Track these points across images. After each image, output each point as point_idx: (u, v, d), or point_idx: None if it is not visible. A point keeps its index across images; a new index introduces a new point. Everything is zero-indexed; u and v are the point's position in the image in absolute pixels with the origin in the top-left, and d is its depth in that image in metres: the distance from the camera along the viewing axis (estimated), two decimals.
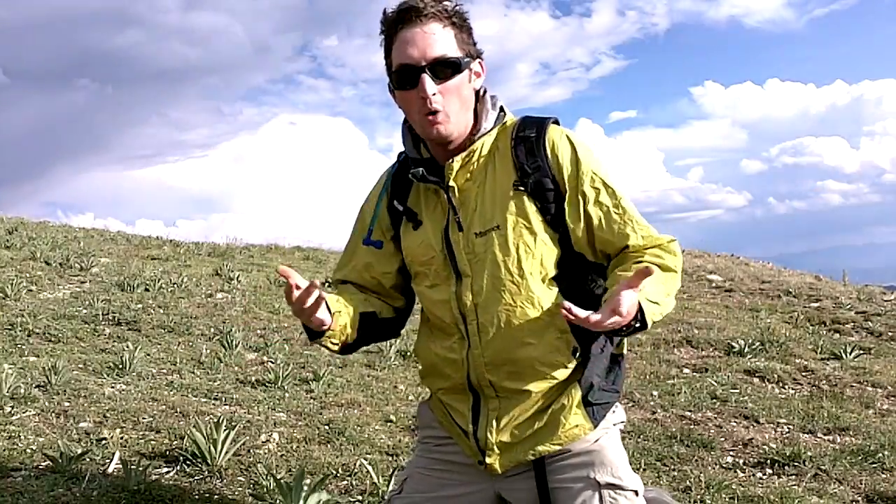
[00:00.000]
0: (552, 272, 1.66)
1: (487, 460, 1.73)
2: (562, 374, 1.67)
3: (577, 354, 1.67)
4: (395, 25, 1.61)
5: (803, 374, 5.36)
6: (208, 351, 5.29)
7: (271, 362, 5.16)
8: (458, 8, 1.63)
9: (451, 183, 1.66)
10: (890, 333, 6.61)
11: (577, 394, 1.68)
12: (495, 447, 1.71)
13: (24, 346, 4.97)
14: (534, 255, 1.63)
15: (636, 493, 1.70)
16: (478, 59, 1.68)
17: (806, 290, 8.74)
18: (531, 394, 1.67)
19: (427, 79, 1.57)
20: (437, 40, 1.58)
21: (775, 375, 5.23)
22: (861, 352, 5.95)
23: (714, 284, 9.23)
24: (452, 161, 1.65)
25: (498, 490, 1.78)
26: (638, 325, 1.49)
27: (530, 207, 1.63)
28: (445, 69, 1.59)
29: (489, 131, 1.67)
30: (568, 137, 1.66)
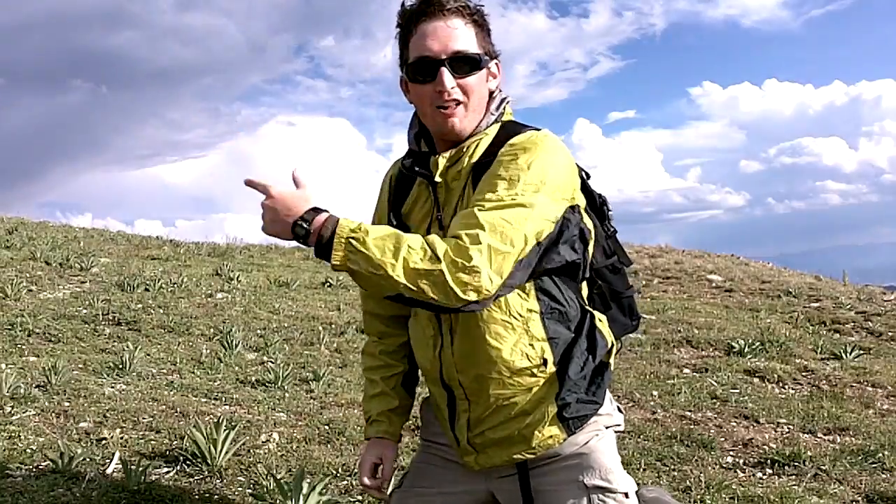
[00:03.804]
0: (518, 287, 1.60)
1: (465, 458, 1.75)
2: (530, 381, 1.63)
3: (548, 365, 1.63)
4: (415, 17, 1.60)
5: (803, 374, 5.36)
6: (208, 351, 5.29)
7: (271, 362, 5.15)
8: (479, 7, 1.63)
9: (438, 178, 1.64)
10: (890, 333, 6.62)
11: (552, 410, 1.65)
12: (469, 447, 1.73)
13: (24, 346, 4.97)
14: None
15: (626, 495, 1.69)
16: (495, 60, 1.67)
17: (806, 290, 8.75)
18: (499, 399, 1.65)
19: (446, 72, 1.56)
20: (459, 35, 1.57)
21: (775, 375, 5.23)
22: (861, 352, 5.95)
23: (714, 284, 9.24)
24: (438, 157, 1.63)
25: (490, 489, 1.79)
26: (309, 237, 1.41)
27: None
28: (464, 65, 1.58)
29: (485, 131, 1.65)
30: (518, 143, 1.58)
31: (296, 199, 1.44)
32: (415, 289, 1.40)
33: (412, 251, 1.40)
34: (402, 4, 1.62)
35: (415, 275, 1.39)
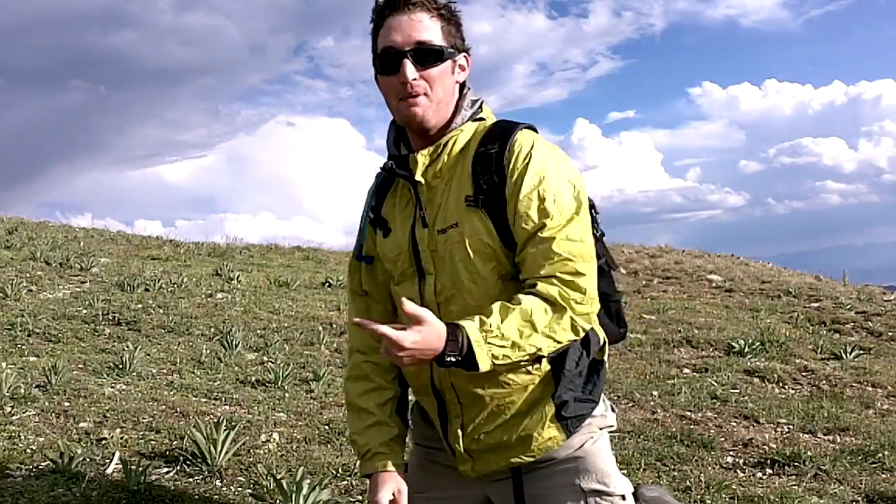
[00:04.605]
0: (513, 273, 1.62)
1: (461, 467, 1.73)
2: (524, 379, 1.62)
3: (542, 361, 1.61)
4: (383, 13, 1.62)
5: (803, 374, 5.37)
6: (208, 351, 5.28)
7: (271, 362, 5.15)
8: (449, 2, 1.64)
9: (419, 178, 1.64)
10: (890, 333, 6.62)
11: (550, 410, 1.64)
12: (465, 455, 1.71)
13: (24, 346, 4.97)
14: (490, 258, 1.60)
15: (623, 497, 1.69)
16: (463, 54, 1.67)
17: (806, 290, 8.74)
18: (493, 400, 1.65)
19: (408, 63, 1.57)
20: (423, 28, 1.59)
21: (775, 375, 5.23)
22: (861, 352, 5.95)
23: (714, 284, 9.23)
24: (417, 154, 1.63)
25: (486, 493, 1.78)
26: (458, 361, 1.43)
27: (483, 220, 1.60)
28: (428, 56, 1.58)
29: (460, 127, 1.65)
30: (526, 151, 1.60)
31: (432, 337, 1.42)
32: (557, 344, 1.53)
33: (539, 315, 1.49)
34: (376, 2, 1.64)
35: (552, 334, 1.50)
